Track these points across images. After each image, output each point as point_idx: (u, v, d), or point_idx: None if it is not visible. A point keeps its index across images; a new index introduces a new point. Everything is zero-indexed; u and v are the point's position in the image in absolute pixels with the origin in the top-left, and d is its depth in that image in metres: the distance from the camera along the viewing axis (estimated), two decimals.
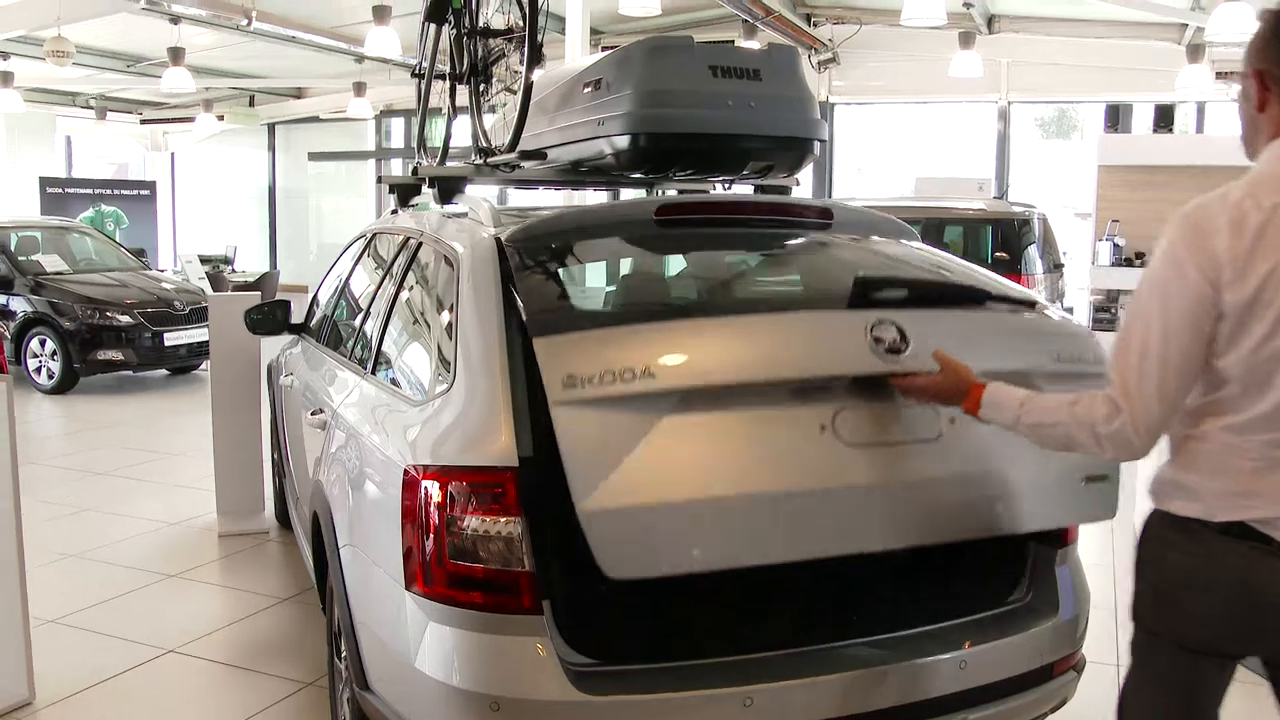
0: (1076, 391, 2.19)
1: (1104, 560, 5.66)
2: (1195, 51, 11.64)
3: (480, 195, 3.61)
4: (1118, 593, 5.19)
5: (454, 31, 4.50)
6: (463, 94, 4.51)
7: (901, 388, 2.55)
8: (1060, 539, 3.05)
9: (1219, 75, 12.16)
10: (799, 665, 2.63)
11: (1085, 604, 3.10)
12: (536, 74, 3.84)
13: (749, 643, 2.68)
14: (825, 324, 2.75)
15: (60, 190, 18.60)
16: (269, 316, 5.18)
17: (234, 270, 16.44)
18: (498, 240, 2.94)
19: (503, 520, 2.46)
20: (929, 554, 3.32)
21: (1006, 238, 9.69)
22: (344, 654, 3.14)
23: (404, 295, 3.69)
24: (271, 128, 21.38)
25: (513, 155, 3.94)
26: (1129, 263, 12.49)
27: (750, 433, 2.52)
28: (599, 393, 2.40)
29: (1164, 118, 13.89)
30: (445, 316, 3.02)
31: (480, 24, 4.37)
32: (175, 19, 12.03)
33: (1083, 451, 2.22)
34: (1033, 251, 9.65)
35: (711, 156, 3.57)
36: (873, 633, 2.80)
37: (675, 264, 3.86)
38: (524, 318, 2.63)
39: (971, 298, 2.94)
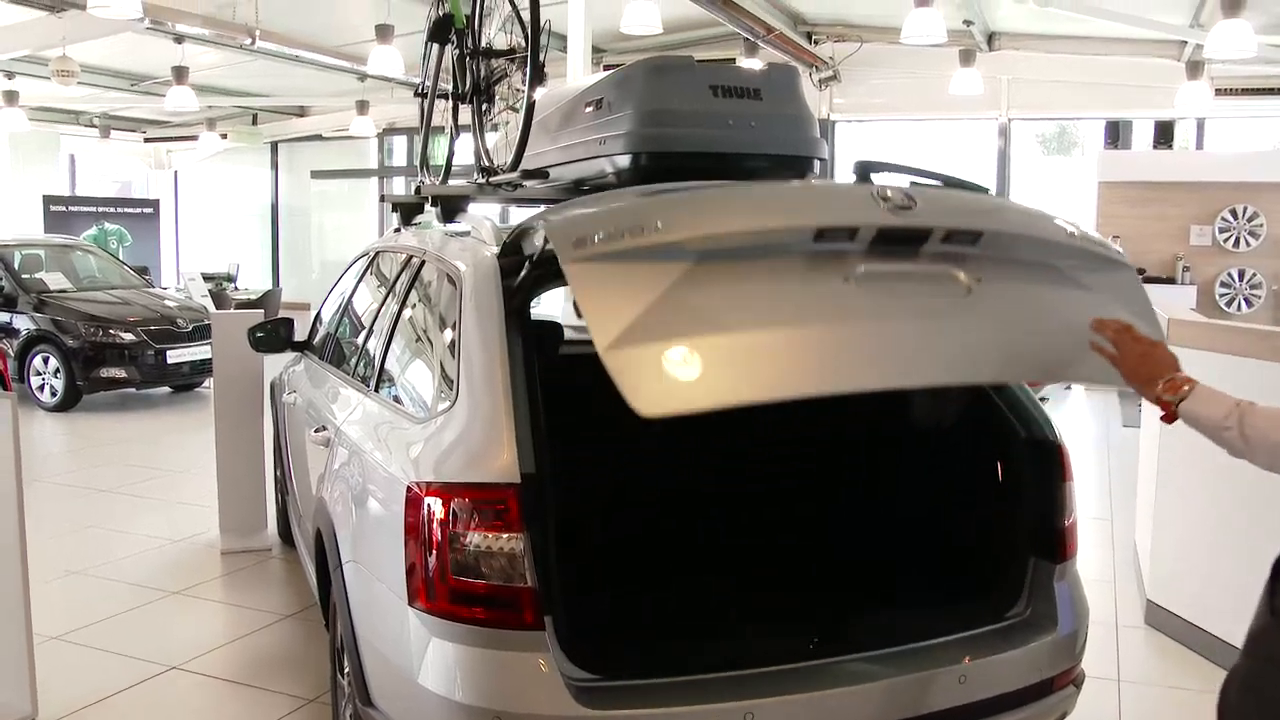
0: None
1: (1104, 576, 5.66)
2: (1194, 68, 11.68)
3: (483, 214, 3.63)
4: (1118, 608, 5.19)
5: (456, 51, 4.53)
6: (465, 113, 4.54)
7: (1106, 328, 2.44)
8: (1059, 555, 3.07)
9: (1218, 92, 12.21)
10: (800, 680, 2.65)
11: (1084, 619, 3.11)
12: (538, 93, 3.86)
13: (750, 657, 2.69)
14: (832, 189, 2.98)
15: (64, 208, 18.66)
16: (272, 334, 5.20)
17: (237, 288, 16.50)
18: (500, 259, 2.96)
19: (505, 536, 2.49)
20: (929, 568, 3.36)
21: None
22: (347, 670, 3.16)
23: (407, 313, 3.72)
24: (274, 146, 21.45)
25: (515, 174, 3.96)
26: None
27: (772, 282, 2.41)
28: (612, 248, 2.28)
29: (1163, 134, 13.94)
30: (448, 334, 3.05)
31: (482, 44, 4.40)
32: (179, 39, 12.09)
33: None
34: None
35: (712, 175, 3.59)
36: (873, 647, 2.81)
37: None
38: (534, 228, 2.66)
39: (971, 187, 2.94)
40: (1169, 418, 2.34)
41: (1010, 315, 2.61)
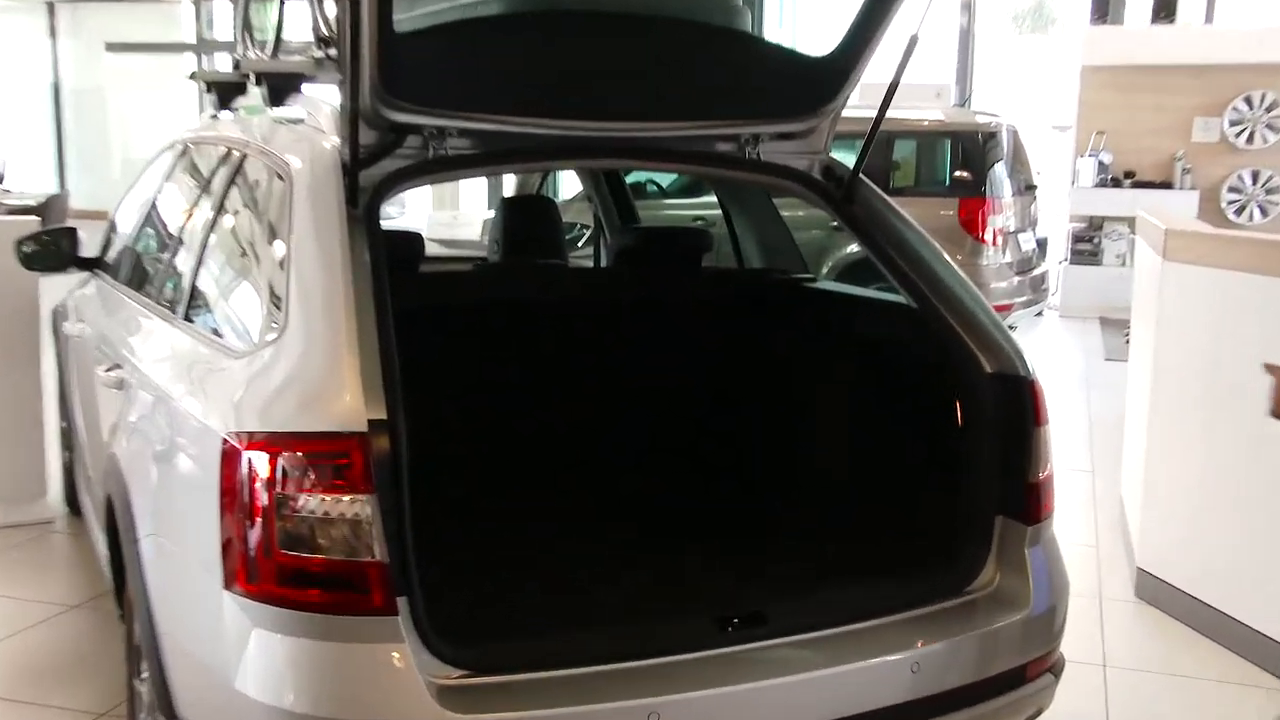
0: None
1: (1086, 539, 5.79)
2: None
3: (321, 96, 3.56)
4: (1103, 578, 5.31)
5: None
6: None
7: None
8: (1032, 515, 3.11)
9: None
10: (716, 671, 2.66)
11: (1064, 593, 3.17)
12: None
13: (656, 644, 2.71)
14: None
15: None
16: (49, 248, 5.05)
17: (7, 190, 15.95)
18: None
19: (347, 499, 2.45)
20: (873, 531, 3.40)
21: (968, 155, 9.85)
22: (145, 674, 3.11)
23: (225, 221, 3.68)
24: (51, 7, 20.79)
25: None
26: (1116, 183, 12.72)
27: None
28: None
29: (1163, 6, 14.11)
30: (276, 247, 3.04)
31: None
32: None
33: None
34: (999, 171, 9.82)
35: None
36: (805, 630, 2.84)
37: None
38: None
39: None
40: None
41: None
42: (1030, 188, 10.66)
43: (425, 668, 2.47)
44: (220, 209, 3.71)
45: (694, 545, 3.62)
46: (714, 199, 5.43)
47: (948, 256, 3.43)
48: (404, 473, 2.51)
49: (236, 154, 3.73)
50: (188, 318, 3.54)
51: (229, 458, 2.57)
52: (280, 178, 3.15)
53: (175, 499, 3.01)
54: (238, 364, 2.88)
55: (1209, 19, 14.46)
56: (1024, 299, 10.11)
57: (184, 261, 3.81)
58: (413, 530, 2.52)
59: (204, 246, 3.66)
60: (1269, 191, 12.60)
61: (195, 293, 3.58)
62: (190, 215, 4.03)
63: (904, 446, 3.50)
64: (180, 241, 3.99)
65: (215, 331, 3.33)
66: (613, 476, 4.01)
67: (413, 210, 13.24)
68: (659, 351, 4.14)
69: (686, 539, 3.68)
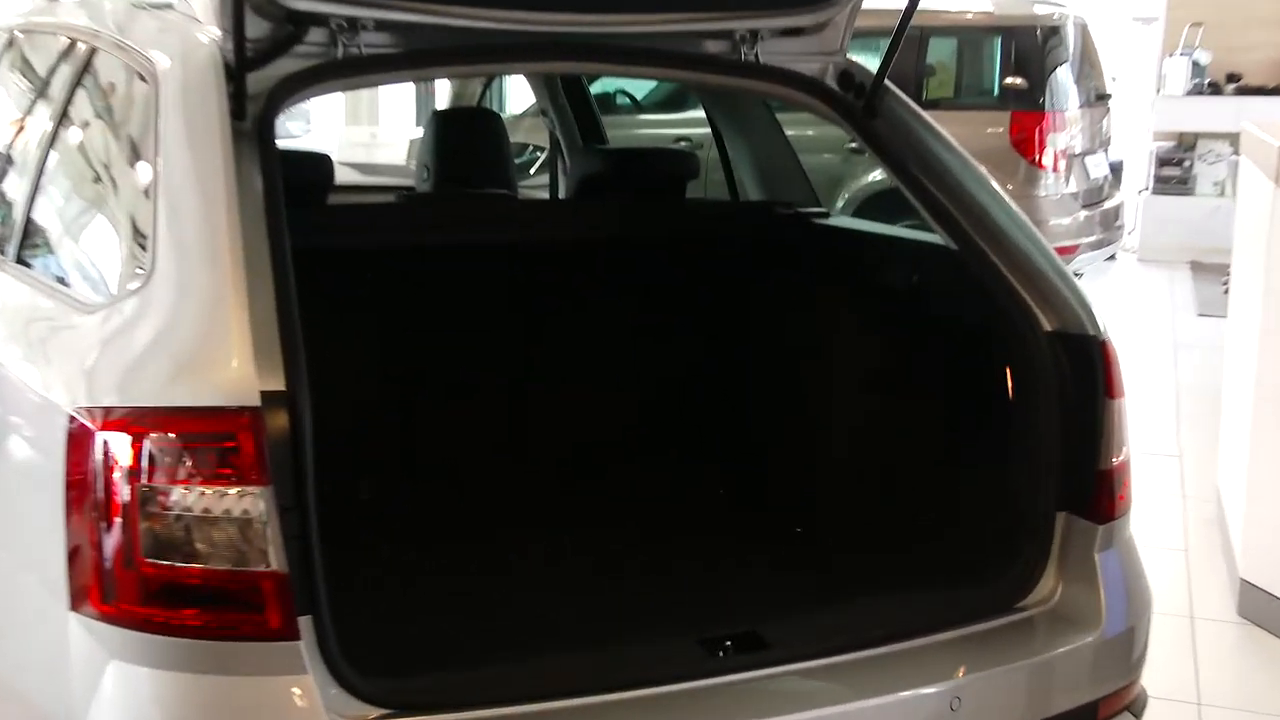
0: None
1: (1173, 542, 5.83)
2: None
3: None
4: (1195, 592, 5.34)
5: None
6: None
7: None
8: (1103, 510, 3.13)
9: None
10: (702, 706, 2.68)
11: (1145, 610, 3.20)
12: None
13: (623, 673, 2.72)
14: None
15: None
16: None
17: None
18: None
19: (234, 492, 2.44)
20: (902, 530, 3.43)
21: (1023, 56, 9.85)
22: None
23: (69, 135, 3.67)
24: None
25: None
26: (1215, 89, 12.72)
27: None
28: None
29: None
30: (140, 169, 3.02)
31: None
32: None
33: None
34: (1064, 75, 9.83)
35: None
36: (815, 654, 2.85)
37: None
38: None
39: None
40: None
41: None
42: (1102, 98, 10.68)
43: (335, 706, 2.46)
44: (63, 120, 3.66)
45: (675, 548, 3.65)
46: (702, 114, 5.43)
47: (996, 185, 3.44)
48: (308, 458, 2.50)
49: (83, 48, 3.69)
50: (21, 260, 3.51)
51: (78, 440, 2.55)
52: (143, 79, 3.11)
53: (3, 494, 3.00)
54: (90, 320, 2.86)
55: None
56: (1093, 238, 10.13)
57: (15, 188, 3.79)
58: (320, 531, 2.51)
59: (41, 169, 3.62)
60: None
61: (31, 228, 3.56)
62: (21, 128, 4.01)
63: (940, 424, 3.52)
64: (9, 161, 3.97)
65: (59, 279, 3.33)
66: (574, 461, 4.03)
67: (319, 126, 13.14)
68: (631, 305, 4.14)
69: (666, 540, 3.70)
